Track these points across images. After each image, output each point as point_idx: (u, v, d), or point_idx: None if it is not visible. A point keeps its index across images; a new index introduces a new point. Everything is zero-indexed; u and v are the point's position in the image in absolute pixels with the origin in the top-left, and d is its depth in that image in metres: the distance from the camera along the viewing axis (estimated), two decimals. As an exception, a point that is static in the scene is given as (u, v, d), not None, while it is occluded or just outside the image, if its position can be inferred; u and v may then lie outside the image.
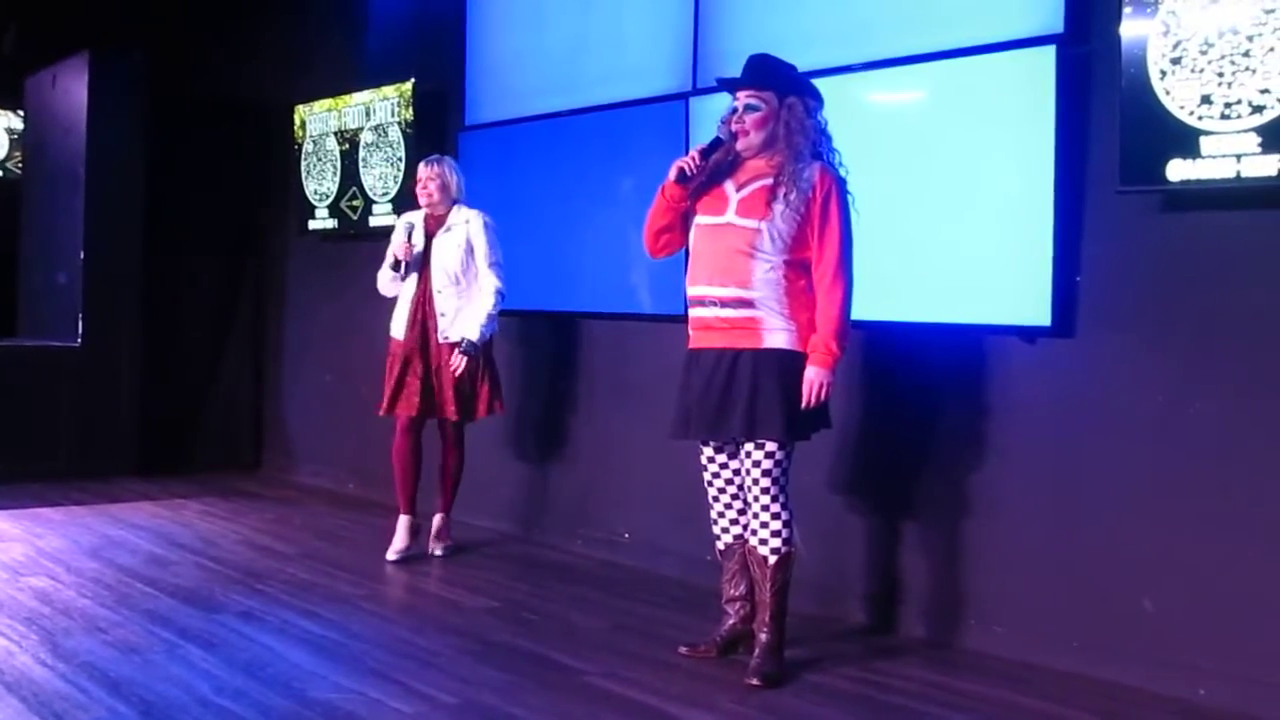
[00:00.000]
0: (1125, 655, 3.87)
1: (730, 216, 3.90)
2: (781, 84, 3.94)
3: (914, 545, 4.44)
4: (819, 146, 3.94)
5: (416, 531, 5.60)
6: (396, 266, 5.47)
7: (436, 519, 5.66)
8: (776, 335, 3.83)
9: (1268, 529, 3.59)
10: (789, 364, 3.82)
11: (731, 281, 3.86)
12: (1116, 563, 3.91)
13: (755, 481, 3.88)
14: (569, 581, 5.21)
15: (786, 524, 3.89)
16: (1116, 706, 3.66)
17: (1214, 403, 3.72)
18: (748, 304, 3.85)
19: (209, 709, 3.47)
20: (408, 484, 5.56)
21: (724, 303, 3.87)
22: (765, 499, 3.87)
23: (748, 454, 3.88)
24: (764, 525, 3.88)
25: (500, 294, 5.38)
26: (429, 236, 5.50)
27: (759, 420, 3.81)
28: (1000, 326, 4.15)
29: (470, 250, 5.41)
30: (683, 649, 4.11)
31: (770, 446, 3.84)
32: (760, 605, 3.93)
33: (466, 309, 5.39)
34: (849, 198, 3.93)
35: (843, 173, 3.95)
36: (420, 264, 5.48)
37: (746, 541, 4.01)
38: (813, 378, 3.79)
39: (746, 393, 3.82)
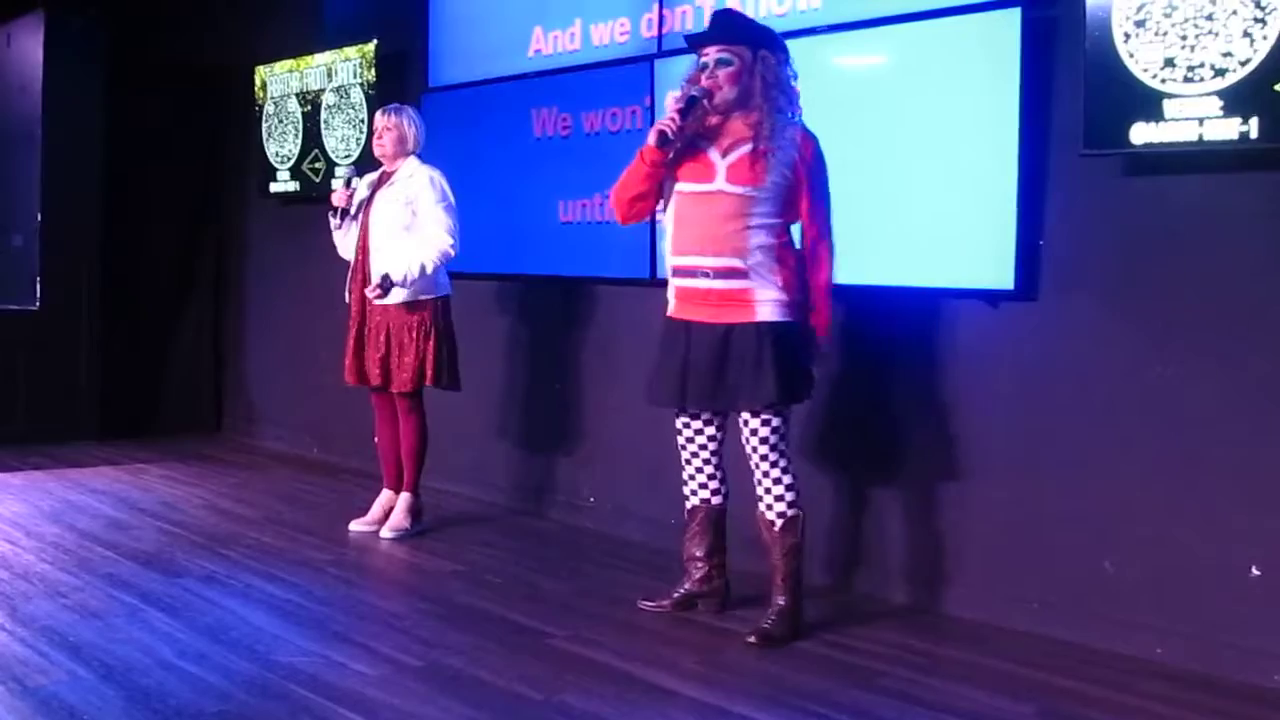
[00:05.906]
0: (1085, 616, 3.91)
1: (720, 184, 3.82)
2: (753, 37, 3.90)
3: (877, 508, 4.47)
4: (790, 102, 3.89)
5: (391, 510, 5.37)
6: (335, 214, 5.20)
7: (397, 501, 5.31)
8: (766, 306, 3.80)
9: (1227, 491, 3.64)
10: (781, 332, 3.80)
11: (726, 250, 3.80)
12: (1078, 525, 3.95)
13: (755, 449, 3.89)
14: (533, 545, 5.21)
15: (790, 487, 3.90)
16: (1075, 666, 3.70)
17: (1176, 366, 3.75)
18: (741, 274, 3.80)
19: (171, 672, 3.45)
20: (382, 456, 5.39)
21: (717, 273, 3.82)
22: (766, 465, 3.88)
23: (746, 423, 3.88)
24: (768, 491, 3.89)
25: (444, 252, 4.99)
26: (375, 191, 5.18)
27: (761, 392, 3.78)
28: (963, 290, 4.16)
29: (414, 208, 5.04)
30: (642, 603, 4.18)
31: (767, 414, 3.84)
32: (773, 570, 3.94)
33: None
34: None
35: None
36: (360, 216, 5.16)
37: (712, 503, 4.09)
38: (820, 345, 3.94)
39: (745, 366, 3.79)
